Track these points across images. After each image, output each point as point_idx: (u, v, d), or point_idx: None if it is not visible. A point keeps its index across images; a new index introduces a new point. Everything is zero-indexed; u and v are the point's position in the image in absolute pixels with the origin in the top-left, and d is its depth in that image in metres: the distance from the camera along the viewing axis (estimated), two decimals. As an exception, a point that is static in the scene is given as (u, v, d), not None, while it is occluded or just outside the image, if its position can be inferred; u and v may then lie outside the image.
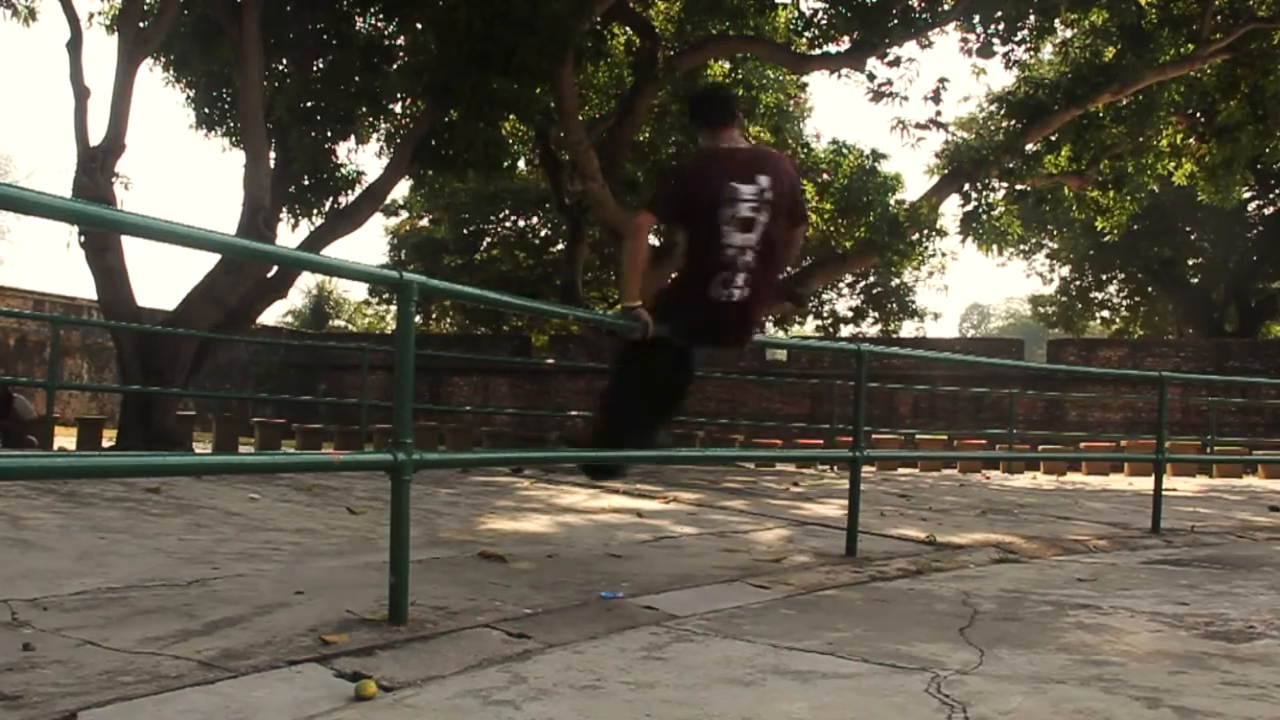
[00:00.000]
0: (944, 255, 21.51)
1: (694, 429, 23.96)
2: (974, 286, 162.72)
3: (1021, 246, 39.17)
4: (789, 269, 7.53)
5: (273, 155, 15.79)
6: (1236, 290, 40.54)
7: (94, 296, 15.93)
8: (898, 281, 39.06)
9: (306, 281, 54.95)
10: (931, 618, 4.62)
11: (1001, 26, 17.79)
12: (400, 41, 17.10)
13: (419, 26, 15.76)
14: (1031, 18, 17.68)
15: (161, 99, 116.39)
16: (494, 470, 11.44)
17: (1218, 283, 41.42)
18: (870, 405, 11.69)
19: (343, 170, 17.54)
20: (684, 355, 5.83)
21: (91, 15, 16.87)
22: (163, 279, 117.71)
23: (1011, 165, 19.10)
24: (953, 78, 32.59)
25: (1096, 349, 33.99)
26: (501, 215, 41.46)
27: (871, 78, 17.72)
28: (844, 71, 17.78)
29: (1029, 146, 19.25)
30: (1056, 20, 18.01)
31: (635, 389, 5.87)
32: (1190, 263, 41.90)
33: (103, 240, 13.70)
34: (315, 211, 17.20)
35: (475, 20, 13.45)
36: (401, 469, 4.03)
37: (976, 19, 17.47)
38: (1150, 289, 42.32)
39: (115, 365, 21.67)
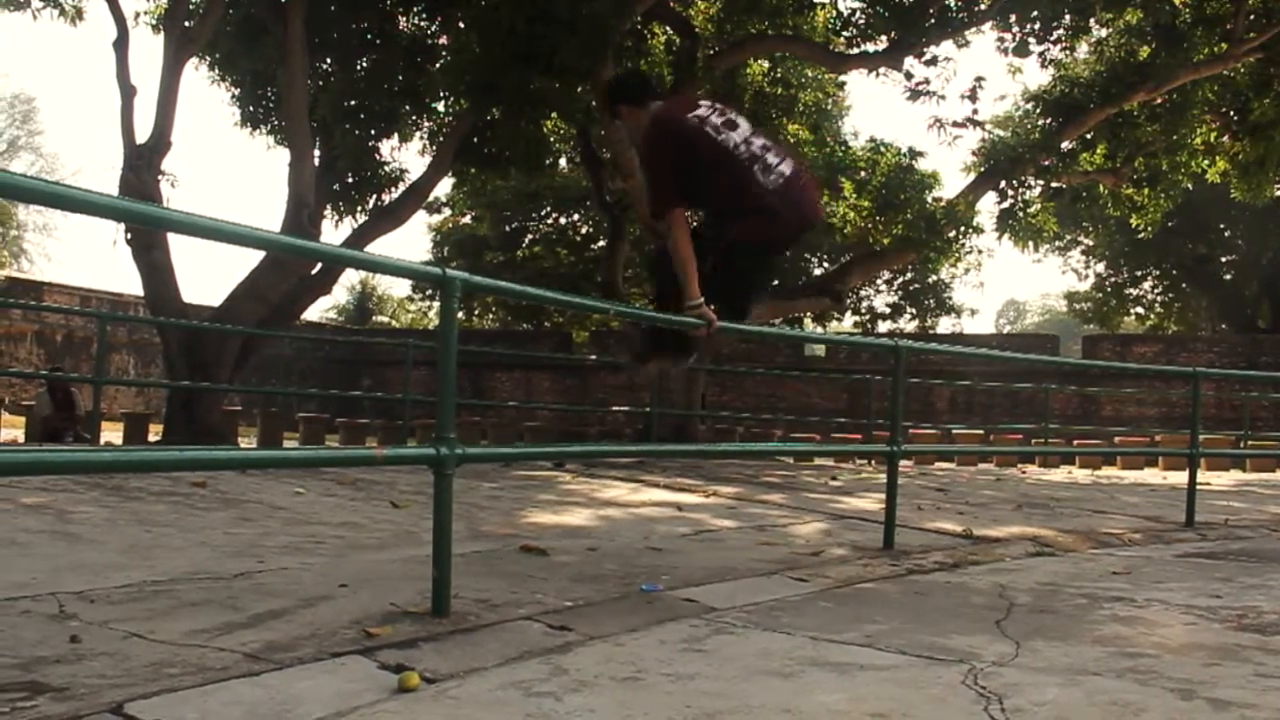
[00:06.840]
0: (980, 252, 21.52)
1: (733, 424, 24.06)
2: (1010, 283, 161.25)
3: (1057, 243, 38.93)
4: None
5: (317, 153, 15.92)
6: (1269, 287, 40.30)
7: (140, 293, 16.12)
8: (935, 278, 38.97)
9: (350, 278, 55.11)
10: (968, 610, 4.64)
11: (1037, 26, 17.82)
12: (443, 41, 17.19)
13: (461, 26, 15.85)
14: (1067, 17, 17.69)
15: (207, 97, 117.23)
16: (536, 465, 11.42)
17: (1251, 279, 41.20)
18: (908, 400, 11.61)
19: (386, 168, 17.66)
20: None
21: (138, 14, 17.02)
22: (208, 275, 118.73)
23: (1047, 163, 19.10)
24: (989, 76, 32.51)
25: (1131, 344, 33.87)
26: (543, 213, 41.49)
27: (909, 76, 17.78)
28: (882, 70, 17.79)
29: (1064, 144, 19.25)
30: (1091, 20, 18.00)
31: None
32: (1224, 259, 41.76)
33: (149, 237, 13.85)
34: (359, 209, 17.31)
35: (517, 20, 13.54)
36: (444, 463, 4.04)
37: (1013, 18, 17.46)
38: (1184, 285, 42.08)
39: (161, 361, 21.95)
